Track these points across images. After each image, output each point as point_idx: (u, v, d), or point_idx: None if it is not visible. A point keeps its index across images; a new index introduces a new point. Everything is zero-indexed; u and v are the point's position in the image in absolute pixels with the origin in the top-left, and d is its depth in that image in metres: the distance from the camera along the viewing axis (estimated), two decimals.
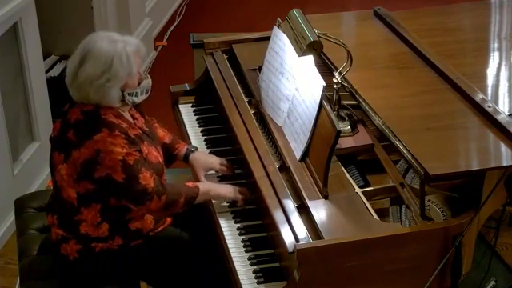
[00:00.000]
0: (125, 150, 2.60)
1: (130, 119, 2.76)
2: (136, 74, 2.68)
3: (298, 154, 2.75)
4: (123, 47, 2.62)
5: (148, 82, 2.74)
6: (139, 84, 2.70)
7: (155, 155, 2.75)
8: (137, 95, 2.70)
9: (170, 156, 2.99)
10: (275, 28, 3.05)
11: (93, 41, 2.63)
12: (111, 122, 2.63)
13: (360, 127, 2.96)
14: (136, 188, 2.62)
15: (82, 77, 2.60)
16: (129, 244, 2.73)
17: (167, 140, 3.00)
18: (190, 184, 2.80)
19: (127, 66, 2.62)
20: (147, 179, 2.63)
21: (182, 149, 3.01)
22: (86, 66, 2.59)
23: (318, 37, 2.78)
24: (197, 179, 2.94)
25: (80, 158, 2.61)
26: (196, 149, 3.03)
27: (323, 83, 2.67)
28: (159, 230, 2.79)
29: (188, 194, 2.75)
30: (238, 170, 2.99)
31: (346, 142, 2.87)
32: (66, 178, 2.67)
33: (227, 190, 2.83)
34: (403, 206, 2.70)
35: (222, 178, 2.98)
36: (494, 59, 3.19)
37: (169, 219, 2.83)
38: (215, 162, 2.98)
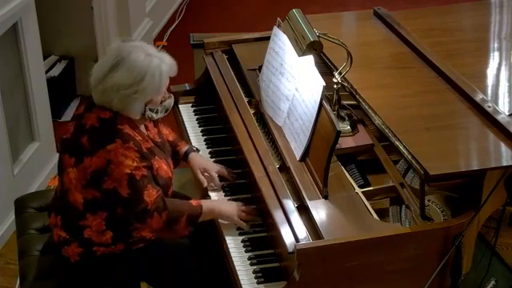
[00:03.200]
0: (135, 164, 2.58)
1: (144, 131, 2.75)
2: (163, 92, 2.67)
3: (298, 154, 2.75)
4: (158, 64, 2.61)
5: (170, 102, 2.73)
6: (162, 102, 2.69)
7: (165, 169, 2.73)
8: (157, 112, 2.69)
9: (172, 153, 2.98)
10: (275, 28, 3.05)
11: (128, 49, 2.61)
12: (127, 133, 2.62)
13: (360, 127, 2.96)
14: (138, 205, 2.61)
15: (110, 82, 2.58)
16: (130, 248, 2.73)
17: (170, 138, 3.00)
18: (194, 202, 2.75)
19: (158, 84, 2.62)
20: (151, 196, 2.62)
21: (184, 147, 3.00)
22: (118, 73, 2.57)
23: (318, 37, 2.79)
24: (196, 178, 2.93)
25: (91, 167, 2.60)
26: (198, 150, 3.03)
27: (323, 83, 2.67)
28: None
29: (190, 213, 2.71)
30: (237, 170, 2.99)
31: (346, 142, 2.87)
32: (74, 182, 2.66)
33: (230, 213, 2.75)
34: (403, 206, 2.70)
35: (221, 179, 2.97)
36: (493, 59, 3.19)
37: None
38: (211, 167, 2.94)
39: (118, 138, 2.59)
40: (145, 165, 2.62)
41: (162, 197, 2.66)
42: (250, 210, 2.77)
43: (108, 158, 2.57)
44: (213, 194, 2.91)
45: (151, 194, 2.62)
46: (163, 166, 2.73)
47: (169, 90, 2.73)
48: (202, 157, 3.02)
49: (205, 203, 2.77)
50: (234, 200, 2.85)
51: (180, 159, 3.00)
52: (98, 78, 2.62)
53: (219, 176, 2.95)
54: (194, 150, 3.01)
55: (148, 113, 2.67)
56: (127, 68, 2.58)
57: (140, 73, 2.58)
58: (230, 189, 2.92)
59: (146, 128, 2.78)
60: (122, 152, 2.58)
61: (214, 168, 2.95)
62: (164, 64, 2.63)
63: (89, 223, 2.67)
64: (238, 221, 2.74)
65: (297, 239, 2.46)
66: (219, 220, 2.78)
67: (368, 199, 2.65)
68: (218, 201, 2.86)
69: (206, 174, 2.94)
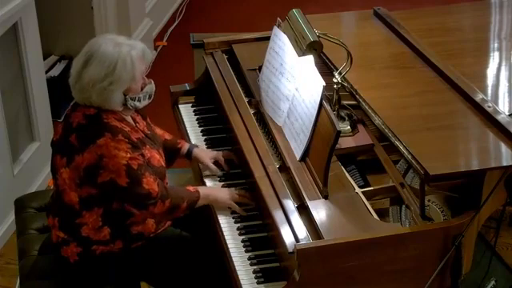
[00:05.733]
0: (128, 155, 2.59)
1: (132, 123, 2.75)
2: (139, 79, 2.67)
3: (298, 154, 2.75)
4: (128, 51, 2.61)
5: (151, 88, 2.73)
6: (142, 89, 2.69)
7: (157, 158, 2.74)
8: (139, 100, 2.69)
9: (173, 152, 2.99)
10: (275, 28, 3.05)
11: (98, 43, 2.62)
12: (114, 125, 2.62)
13: (360, 127, 2.96)
14: (139, 192, 2.62)
15: (85, 78, 2.59)
16: (129, 246, 2.73)
17: (167, 136, 3.02)
18: (191, 188, 2.79)
19: (131, 71, 2.62)
20: (151, 184, 2.63)
21: (185, 145, 3.02)
22: (90, 68, 2.59)
23: (318, 37, 2.79)
24: (208, 168, 2.97)
25: (83, 163, 2.60)
26: (197, 146, 3.07)
27: (323, 83, 2.67)
28: (160, 231, 2.79)
29: (190, 199, 2.75)
30: (237, 170, 2.99)
31: (346, 142, 2.87)
32: (68, 182, 2.66)
33: (225, 197, 2.80)
34: (403, 206, 2.70)
35: (221, 178, 2.98)
36: (493, 59, 3.19)
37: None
38: (218, 154, 3.02)
39: (107, 132, 2.60)
40: (138, 153, 2.63)
41: (162, 184, 2.69)
42: (244, 193, 2.81)
43: (100, 152, 2.58)
44: (209, 184, 2.95)
45: (149, 181, 2.63)
46: (155, 156, 2.74)
47: (148, 76, 2.73)
48: (204, 149, 3.07)
49: (201, 189, 2.81)
50: None
51: (180, 157, 3.02)
52: (74, 77, 2.64)
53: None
54: (196, 146, 3.05)
55: (130, 102, 2.67)
56: (98, 61, 2.59)
57: (111, 63, 2.58)
58: (229, 188, 2.92)
59: (134, 120, 2.78)
60: (114, 145, 2.58)
61: (219, 155, 3.01)
62: (134, 50, 2.63)
63: (85, 221, 2.67)
64: (232, 204, 2.79)
65: (297, 239, 2.46)
66: (219, 220, 2.79)
67: (368, 199, 2.65)
68: (213, 187, 2.92)
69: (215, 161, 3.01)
